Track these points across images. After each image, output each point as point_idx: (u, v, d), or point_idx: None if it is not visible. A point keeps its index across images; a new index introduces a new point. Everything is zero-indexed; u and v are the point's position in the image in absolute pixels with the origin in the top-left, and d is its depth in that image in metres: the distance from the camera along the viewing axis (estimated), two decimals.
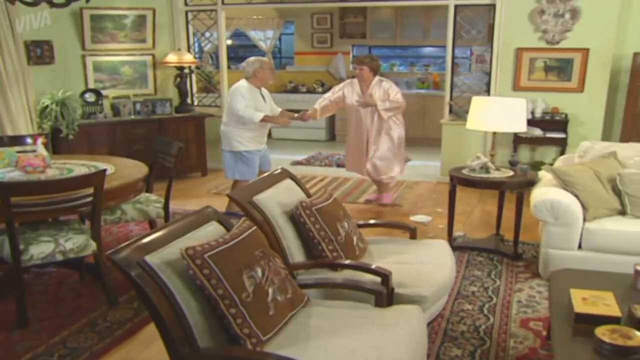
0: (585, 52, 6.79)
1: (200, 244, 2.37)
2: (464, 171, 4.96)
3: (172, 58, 7.89)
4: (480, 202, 6.64)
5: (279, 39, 12.07)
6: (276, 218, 3.28)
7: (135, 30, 7.83)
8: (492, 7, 7.03)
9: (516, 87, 7.07)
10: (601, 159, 4.79)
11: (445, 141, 7.62)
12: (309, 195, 3.68)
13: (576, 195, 4.38)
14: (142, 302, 2.38)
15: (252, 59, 6.06)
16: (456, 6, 7.20)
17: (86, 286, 4.36)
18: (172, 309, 2.28)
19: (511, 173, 4.91)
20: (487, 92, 7.33)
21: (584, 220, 4.33)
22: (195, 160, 8.19)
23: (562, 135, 6.91)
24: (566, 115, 6.94)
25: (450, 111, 7.60)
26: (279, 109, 6.37)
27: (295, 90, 11.36)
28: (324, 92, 11.00)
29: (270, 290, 2.49)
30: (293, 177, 3.80)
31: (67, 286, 4.38)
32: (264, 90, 6.17)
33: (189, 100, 8.32)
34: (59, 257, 3.74)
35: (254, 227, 2.73)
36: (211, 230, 2.70)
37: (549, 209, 4.27)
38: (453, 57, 7.43)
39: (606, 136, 7.11)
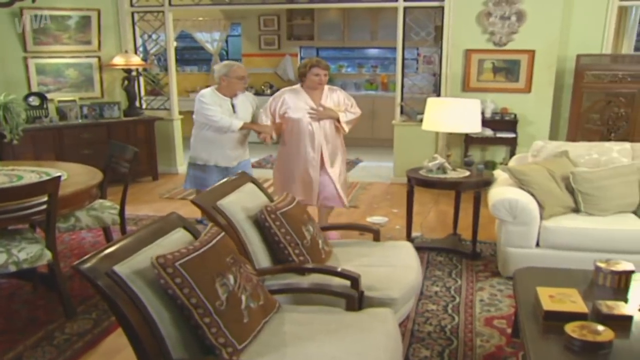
0: (531, 53, 6.94)
1: (171, 252, 2.28)
2: (421, 172, 4.97)
3: (119, 60, 7.70)
4: (435, 203, 6.70)
5: (226, 41, 11.94)
6: (241, 223, 3.21)
7: (79, 32, 7.61)
8: (441, 9, 7.10)
9: (466, 88, 7.16)
10: (554, 158, 4.87)
11: (398, 142, 7.65)
12: (271, 199, 3.61)
13: (532, 194, 4.44)
14: (112, 314, 2.27)
15: (222, 62, 5.40)
16: (405, 8, 7.25)
17: (40, 297, 4.18)
18: (144, 321, 2.19)
19: (467, 173, 4.96)
20: (435, 92, 7.41)
21: (541, 218, 4.40)
22: (146, 165, 8.01)
23: (512, 135, 7.03)
24: (515, 115, 7.07)
25: (402, 112, 7.64)
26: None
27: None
28: (272, 93, 11.01)
29: (244, 298, 2.43)
30: (254, 181, 3.73)
31: (19, 298, 4.19)
32: (241, 99, 5.35)
33: (137, 104, 8.14)
34: (12, 268, 3.56)
35: (223, 233, 2.65)
36: (179, 237, 2.61)
37: (507, 208, 4.32)
38: (403, 59, 7.47)
39: (554, 135, 7.27)
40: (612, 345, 2.49)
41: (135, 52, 8.13)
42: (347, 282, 2.97)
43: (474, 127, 4.92)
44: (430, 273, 4.65)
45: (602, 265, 3.23)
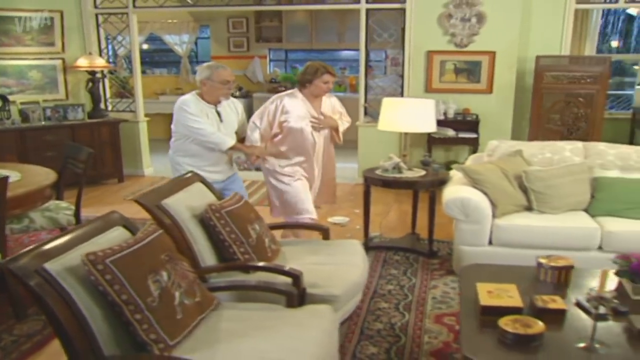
0: (492, 54, 7.02)
1: (102, 249, 2.29)
2: (377, 172, 5.01)
3: (82, 62, 7.66)
4: (397, 202, 6.74)
5: (195, 43, 11.91)
6: (186, 222, 3.22)
7: (42, 33, 7.56)
8: (403, 11, 7.16)
9: (428, 89, 7.22)
10: (508, 157, 4.93)
11: (362, 143, 7.70)
12: (220, 199, 3.63)
13: (485, 193, 4.49)
14: (42, 312, 2.27)
15: (204, 65, 4.54)
16: (368, 10, 7.30)
17: None
18: (75, 318, 2.18)
19: (423, 172, 5.00)
20: (402, 94, 7.46)
21: (494, 216, 4.45)
22: (111, 167, 7.97)
23: (473, 135, 7.09)
24: (477, 115, 7.14)
25: (366, 113, 7.68)
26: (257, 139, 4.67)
27: None
28: (242, 96, 11.01)
29: (177, 294, 2.44)
30: (203, 181, 3.75)
31: None
32: (227, 107, 4.59)
33: (102, 105, 8.09)
34: None
35: (160, 231, 2.66)
36: (116, 236, 2.62)
37: (460, 206, 4.37)
38: (366, 60, 7.52)
39: (516, 135, 7.36)
40: (544, 337, 2.54)
41: (100, 54, 8.09)
42: (290, 280, 2.99)
43: (429, 127, 4.96)
44: (386, 272, 4.69)
45: (543, 261, 3.28)
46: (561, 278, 3.22)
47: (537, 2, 7.05)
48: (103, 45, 8.21)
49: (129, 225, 2.78)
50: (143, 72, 11.67)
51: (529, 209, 4.62)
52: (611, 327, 2.70)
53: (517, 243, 4.37)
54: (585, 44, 9.74)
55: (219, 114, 4.49)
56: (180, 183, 3.56)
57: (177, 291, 2.45)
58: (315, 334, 2.51)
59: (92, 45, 7.96)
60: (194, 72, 11.45)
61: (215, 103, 4.49)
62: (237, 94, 11.05)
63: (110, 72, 8.68)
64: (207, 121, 4.38)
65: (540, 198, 4.59)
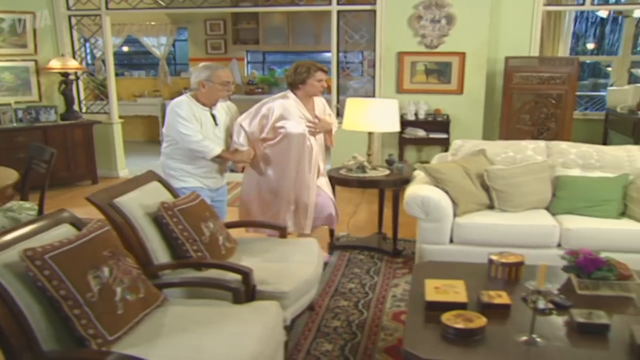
0: (462, 55, 7.07)
1: (42, 245, 2.30)
2: (342, 171, 5.05)
3: (55, 64, 7.64)
4: (367, 203, 6.78)
5: (173, 46, 11.91)
6: (139, 220, 3.23)
7: (13, 35, 7.54)
8: (373, 12, 7.20)
9: (399, 90, 7.26)
10: (471, 157, 4.97)
11: (334, 144, 7.70)
12: (176, 198, 3.64)
13: (447, 192, 4.53)
14: None
15: (200, 65, 4.31)
16: (339, 12, 7.34)
17: None
18: (12, 315, 2.19)
19: (387, 172, 5.04)
20: (374, 95, 7.50)
21: (454, 215, 4.49)
22: (85, 169, 7.96)
23: (444, 136, 7.14)
24: (447, 116, 7.19)
25: (338, 114, 7.71)
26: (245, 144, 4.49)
27: None
28: None
29: (119, 290, 2.45)
30: (161, 180, 3.77)
31: None
32: (220, 109, 4.37)
33: (76, 107, 8.08)
34: None
35: (106, 228, 2.68)
36: (61, 233, 2.62)
37: (420, 205, 4.40)
38: (338, 62, 7.56)
39: (487, 135, 7.41)
40: (485, 331, 2.58)
41: (74, 56, 8.07)
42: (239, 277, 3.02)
43: (392, 126, 5.00)
44: (349, 271, 4.71)
45: (494, 257, 3.32)
46: (511, 274, 3.26)
47: (506, 3, 7.11)
48: (77, 46, 8.17)
49: (77, 223, 2.79)
50: (121, 74, 11.72)
51: (491, 207, 4.66)
52: (553, 321, 2.75)
53: (477, 241, 4.39)
54: (558, 45, 9.84)
55: (214, 117, 4.28)
56: (137, 181, 3.59)
57: (119, 287, 2.46)
58: (257, 329, 2.53)
59: (65, 47, 7.95)
60: (172, 74, 11.52)
61: (212, 105, 4.27)
62: None
63: (90, 74, 8.68)
64: (197, 126, 4.15)
65: (501, 196, 4.64)
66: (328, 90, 10.31)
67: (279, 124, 4.39)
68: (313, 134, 4.51)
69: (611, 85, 9.55)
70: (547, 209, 4.71)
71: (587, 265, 3.06)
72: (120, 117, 8.53)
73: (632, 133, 8.26)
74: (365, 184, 4.99)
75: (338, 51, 7.50)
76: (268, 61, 11.79)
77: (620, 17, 10.03)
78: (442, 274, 3.23)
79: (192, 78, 4.27)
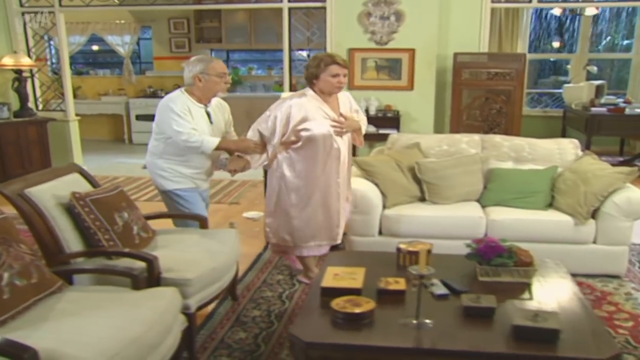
0: (411, 52, 7.12)
1: None
2: None
3: (8, 61, 7.61)
4: None
5: (138, 44, 11.89)
6: (50, 210, 3.24)
7: None
8: (324, 9, 7.24)
9: (351, 86, 7.29)
10: (405, 150, 5.02)
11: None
12: (96, 188, 3.66)
13: (377, 184, 4.58)
14: None
15: (192, 59, 4.03)
16: (290, 9, 7.38)
17: None
18: None
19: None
20: None
21: (384, 207, 4.54)
22: (40, 166, 7.89)
23: (395, 132, 7.19)
24: (398, 112, 7.25)
25: None
26: (235, 137, 4.30)
27: (154, 95, 11.23)
28: None
29: (6, 275, 2.48)
30: (83, 172, 3.78)
31: None
32: (214, 107, 4.11)
33: (31, 105, 8.05)
34: None
35: (2, 216, 2.71)
36: None
37: None
38: (290, 60, 7.60)
39: (438, 131, 7.46)
40: (374, 315, 2.62)
41: (29, 53, 8.05)
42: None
43: None
44: (281, 263, 4.74)
45: (402, 246, 3.37)
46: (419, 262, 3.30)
47: (455, 0, 7.16)
48: (31, 43, 8.14)
49: None
50: (87, 72, 11.69)
51: (422, 199, 4.72)
52: (446, 305, 2.80)
53: (405, 233, 4.42)
54: (517, 43, 9.94)
55: (208, 115, 4.02)
56: (55, 173, 3.59)
57: (7, 272, 2.49)
58: (145, 313, 2.56)
59: (19, 44, 7.92)
60: (137, 73, 11.50)
61: (207, 102, 4.00)
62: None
63: (54, 73, 8.66)
64: (192, 122, 3.85)
65: (431, 189, 4.69)
66: (293, 88, 10.43)
67: (301, 126, 3.91)
68: (339, 134, 4.02)
69: (567, 83, 9.65)
70: (479, 201, 4.77)
71: (487, 253, 3.11)
72: (85, 115, 8.52)
73: (584, 129, 8.38)
74: None
75: (290, 49, 7.54)
76: (232, 60, 11.80)
77: (577, 16, 10.13)
78: (350, 263, 3.27)
79: (185, 73, 3.97)
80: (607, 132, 8.46)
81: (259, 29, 10.75)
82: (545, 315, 2.51)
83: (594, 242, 4.38)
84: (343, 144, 4.08)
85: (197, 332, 3.45)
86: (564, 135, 9.75)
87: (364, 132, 4.29)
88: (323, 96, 3.98)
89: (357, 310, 2.60)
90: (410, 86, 7.24)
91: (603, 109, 8.32)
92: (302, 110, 3.91)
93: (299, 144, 3.96)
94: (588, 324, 2.61)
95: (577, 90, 9.04)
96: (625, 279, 4.41)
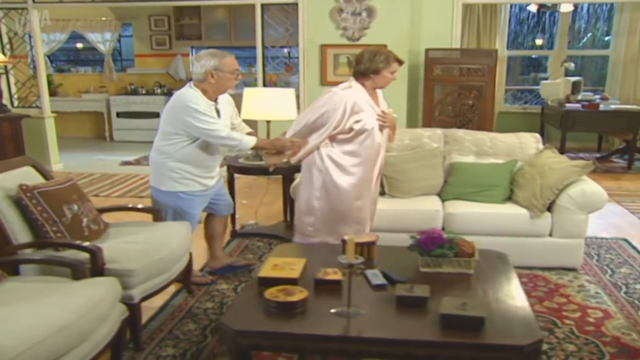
0: (383, 48, 7.12)
1: None
2: (240, 160, 5.11)
3: None
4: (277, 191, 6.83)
5: (119, 41, 11.89)
6: None
7: None
8: (296, 5, 7.26)
9: (323, 82, 7.31)
10: None
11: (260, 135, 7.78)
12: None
13: None
14: None
15: (202, 53, 3.91)
16: (262, 5, 7.40)
17: None
18: None
19: (285, 159, 5.09)
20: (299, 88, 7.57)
21: None
22: None
23: None
24: None
25: None
26: (247, 130, 4.31)
27: (135, 92, 11.24)
28: (162, 94, 11.01)
29: None
30: (36, 165, 3.82)
31: None
32: (223, 102, 4.06)
33: (5, 101, 8.05)
34: None
35: None
36: None
37: None
38: (263, 56, 7.65)
39: (412, 126, 7.49)
40: (307, 304, 2.65)
41: (3, 50, 8.05)
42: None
43: (290, 114, 5.06)
44: (242, 256, 4.77)
45: (347, 238, 3.38)
46: (363, 253, 3.33)
47: None
48: (5, 40, 8.14)
49: None
50: (68, 70, 11.69)
51: (381, 193, 4.74)
52: (381, 295, 2.84)
53: None
54: (495, 39, 9.98)
55: (218, 112, 3.94)
56: (7, 165, 3.62)
57: None
58: (77, 302, 2.58)
59: None
60: (118, 70, 11.50)
61: (216, 99, 3.93)
62: (158, 91, 11.12)
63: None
64: (216, 120, 3.84)
65: (391, 183, 4.73)
66: (272, 85, 10.44)
67: (354, 119, 3.85)
68: (382, 128, 4.00)
69: (543, 79, 9.70)
70: (439, 195, 4.80)
71: (427, 244, 3.14)
72: (66, 113, 8.52)
73: (559, 125, 8.42)
74: (260, 171, 5.03)
75: (263, 45, 7.57)
76: None
77: (555, 13, 10.17)
78: (297, 254, 3.31)
79: (195, 68, 3.84)
80: (582, 128, 8.52)
81: (238, 26, 10.76)
82: (473, 304, 2.54)
83: (550, 235, 4.42)
84: (383, 140, 4.06)
85: (145, 323, 3.49)
86: (542, 131, 9.80)
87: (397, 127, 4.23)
88: (370, 91, 3.94)
89: (290, 299, 2.63)
90: None
91: (578, 105, 8.37)
92: (357, 101, 3.85)
93: (349, 135, 3.90)
94: (518, 313, 2.64)
95: (554, 87, 9.10)
96: (581, 272, 4.45)
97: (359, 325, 2.54)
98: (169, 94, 10.93)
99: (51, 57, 11.68)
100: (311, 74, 7.37)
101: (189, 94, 3.82)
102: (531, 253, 4.42)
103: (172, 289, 3.94)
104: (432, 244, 3.13)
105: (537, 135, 5.11)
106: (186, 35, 11.15)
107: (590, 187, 4.36)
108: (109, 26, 11.31)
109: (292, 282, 2.85)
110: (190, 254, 3.93)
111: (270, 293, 2.67)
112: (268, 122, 5.16)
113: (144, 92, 11.25)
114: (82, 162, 9.07)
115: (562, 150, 8.35)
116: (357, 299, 2.70)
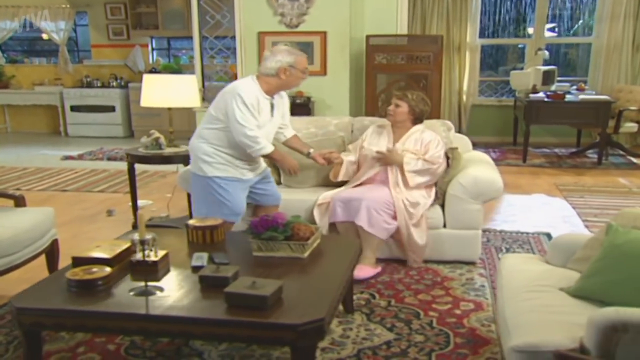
0: (323, 35, 7.34)
1: None
2: (140, 149, 5.31)
3: None
4: None
5: (75, 31, 12.14)
6: None
7: None
8: None
9: None
10: None
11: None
12: None
13: None
14: None
15: (279, 47, 4.21)
16: None
17: None
18: None
19: (185, 148, 5.29)
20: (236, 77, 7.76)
21: None
22: None
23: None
24: (309, 98, 7.46)
25: (204, 99, 7.97)
26: (292, 132, 4.59)
27: (89, 85, 11.48)
28: (119, 87, 11.24)
29: None
30: None
31: None
32: (279, 99, 4.33)
33: None
34: None
35: None
36: None
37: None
38: (201, 44, 7.85)
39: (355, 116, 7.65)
40: (109, 282, 2.85)
41: None
42: None
43: (192, 102, 5.26)
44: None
45: (191, 222, 3.61)
46: (206, 237, 3.53)
47: None
48: None
49: None
50: (21, 61, 11.97)
51: (278, 183, 4.93)
52: (196, 277, 3.00)
53: None
54: (466, 28, 10.10)
55: (272, 106, 4.19)
56: None
57: None
58: None
59: None
60: (74, 62, 11.75)
61: (274, 94, 4.19)
62: (115, 83, 11.36)
63: None
64: (258, 117, 4.03)
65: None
66: (235, 77, 10.63)
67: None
68: (377, 160, 4.59)
69: (513, 69, 9.81)
70: (340, 186, 4.96)
71: (257, 227, 3.32)
72: (18, 106, 8.75)
73: (523, 117, 8.53)
74: (160, 160, 5.22)
75: (200, 33, 7.78)
76: (174, 48, 12.03)
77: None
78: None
79: (269, 61, 4.06)
80: (546, 120, 8.54)
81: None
82: (263, 283, 2.71)
83: (444, 226, 4.57)
84: (389, 174, 4.55)
85: None
86: (515, 125, 9.92)
87: (406, 169, 4.47)
88: (391, 124, 4.76)
89: (86, 277, 2.82)
90: (324, 71, 7.45)
91: (542, 96, 8.43)
92: (376, 132, 4.84)
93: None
94: (318, 295, 2.81)
95: (524, 77, 9.17)
96: (479, 265, 4.57)
97: (155, 305, 2.71)
98: (125, 86, 11.19)
99: (3, 47, 11.97)
100: (249, 62, 7.58)
101: (245, 84, 4.05)
102: (428, 245, 4.54)
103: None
104: (262, 227, 3.31)
105: (448, 123, 5.26)
106: (144, 24, 11.36)
107: (483, 174, 4.50)
108: (62, 14, 11.51)
109: (106, 262, 3.03)
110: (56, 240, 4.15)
111: (73, 273, 2.87)
112: (169, 109, 5.35)
113: (99, 84, 11.47)
114: (23, 157, 9.34)
115: (525, 145, 8.48)
116: (172, 280, 2.90)
